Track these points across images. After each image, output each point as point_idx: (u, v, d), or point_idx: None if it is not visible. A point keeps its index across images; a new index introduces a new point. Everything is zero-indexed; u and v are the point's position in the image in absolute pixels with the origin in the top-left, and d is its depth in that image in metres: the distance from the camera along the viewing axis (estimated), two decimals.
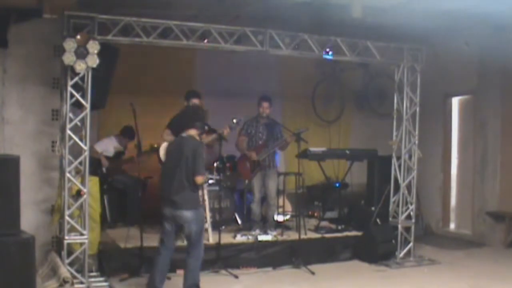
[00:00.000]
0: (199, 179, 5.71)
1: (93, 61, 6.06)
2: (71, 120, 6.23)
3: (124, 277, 6.49)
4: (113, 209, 8.23)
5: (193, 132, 5.90)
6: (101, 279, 6.40)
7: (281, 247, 7.49)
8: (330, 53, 7.44)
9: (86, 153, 6.30)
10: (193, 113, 6.21)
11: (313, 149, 8.25)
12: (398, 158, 7.99)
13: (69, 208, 6.22)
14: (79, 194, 6.25)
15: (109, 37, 6.36)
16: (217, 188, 7.63)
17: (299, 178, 7.76)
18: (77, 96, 6.20)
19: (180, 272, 6.76)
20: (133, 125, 6.95)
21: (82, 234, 6.24)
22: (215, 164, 8.32)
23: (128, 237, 6.77)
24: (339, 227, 8.33)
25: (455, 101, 10.09)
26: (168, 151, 6.07)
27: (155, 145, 7.84)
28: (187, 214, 5.69)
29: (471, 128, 9.62)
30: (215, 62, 8.78)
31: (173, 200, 5.71)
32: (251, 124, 8.09)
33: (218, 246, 6.95)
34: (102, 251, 6.76)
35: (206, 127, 7.63)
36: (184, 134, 5.91)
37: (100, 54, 6.09)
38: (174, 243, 5.99)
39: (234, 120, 7.47)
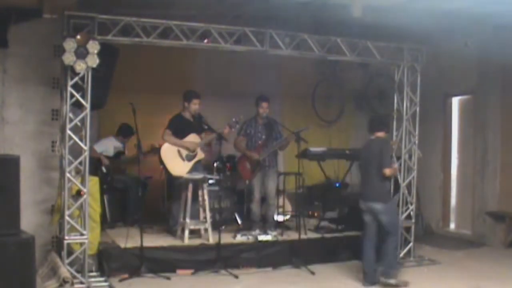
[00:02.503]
0: (387, 171, 6.52)
1: (93, 61, 6.06)
2: (71, 120, 6.22)
3: (124, 277, 6.48)
4: (113, 209, 8.22)
5: (380, 134, 6.78)
6: (101, 279, 6.41)
7: (281, 247, 7.48)
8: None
9: (86, 153, 6.30)
10: (380, 119, 7.06)
11: (313, 149, 8.24)
12: (398, 158, 7.99)
13: (69, 208, 6.22)
14: (79, 194, 6.24)
15: (109, 37, 6.36)
16: (217, 188, 7.62)
17: (299, 178, 7.74)
18: (77, 96, 6.20)
19: (180, 272, 6.81)
20: (133, 125, 6.95)
21: (82, 234, 6.24)
22: (215, 164, 8.33)
23: (128, 237, 6.76)
24: (339, 227, 8.32)
25: (455, 101, 10.09)
26: (361, 154, 6.95)
27: (156, 145, 7.86)
28: (378, 206, 6.55)
29: (471, 128, 9.61)
30: (215, 62, 8.78)
31: (367, 194, 6.66)
32: (250, 124, 8.06)
33: (218, 246, 6.95)
34: (102, 251, 6.75)
35: (205, 127, 7.69)
36: (372, 137, 6.81)
37: (100, 54, 6.09)
38: (375, 233, 6.64)
39: (234, 119, 7.48)
